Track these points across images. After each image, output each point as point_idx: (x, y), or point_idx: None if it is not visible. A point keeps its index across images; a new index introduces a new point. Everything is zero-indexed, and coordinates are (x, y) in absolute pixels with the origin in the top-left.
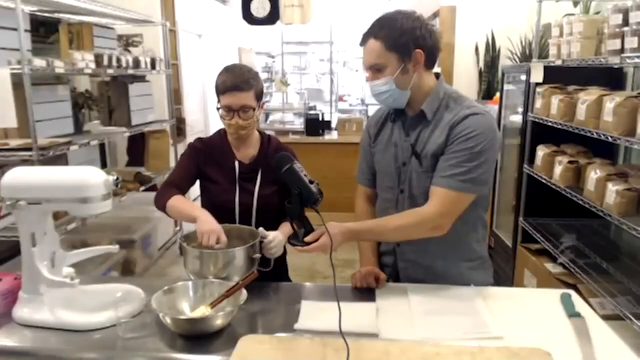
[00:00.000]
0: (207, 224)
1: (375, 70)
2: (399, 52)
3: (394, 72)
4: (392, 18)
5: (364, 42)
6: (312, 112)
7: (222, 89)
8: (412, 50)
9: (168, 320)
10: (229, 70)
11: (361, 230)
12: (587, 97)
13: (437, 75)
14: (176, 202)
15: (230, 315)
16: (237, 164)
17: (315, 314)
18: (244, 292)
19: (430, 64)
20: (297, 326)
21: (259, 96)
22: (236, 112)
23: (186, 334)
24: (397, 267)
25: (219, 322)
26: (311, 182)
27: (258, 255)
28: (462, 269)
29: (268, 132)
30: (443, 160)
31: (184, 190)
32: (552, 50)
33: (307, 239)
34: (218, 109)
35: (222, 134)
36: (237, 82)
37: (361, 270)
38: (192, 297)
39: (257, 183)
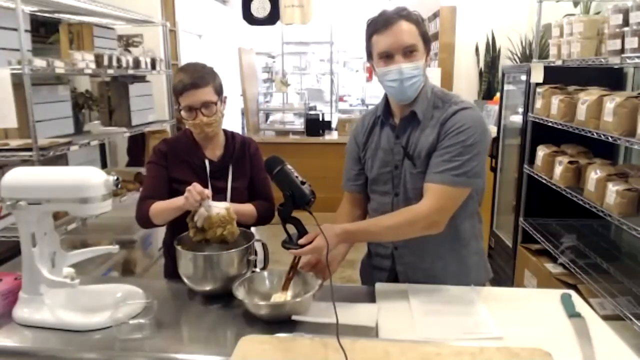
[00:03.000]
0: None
1: (409, 51)
2: (425, 41)
3: (422, 58)
4: (413, 12)
5: (391, 23)
6: (312, 112)
7: (179, 89)
8: (429, 42)
9: (262, 310)
10: (183, 70)
11: (356, 230)
12: (587, 97)
13: None
14: (156, 206)
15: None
16: (207, 162)
17: (315, 309)
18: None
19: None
20: (294, 316)
21: (219, 91)
22: (198, 110)
23: (275, 318)
24: (396, 270)
25: (306, 305)
26: (302, 183)
27: (254, 257)
28: (462, 267)
29: (268, 132)
30: (435, 156)
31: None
32: (552, 50)
33: (301, 241)
34: (179, 111)
35: (188, 132)
36: (193, 79)
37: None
38: (267, 286)
39: (228, 179)
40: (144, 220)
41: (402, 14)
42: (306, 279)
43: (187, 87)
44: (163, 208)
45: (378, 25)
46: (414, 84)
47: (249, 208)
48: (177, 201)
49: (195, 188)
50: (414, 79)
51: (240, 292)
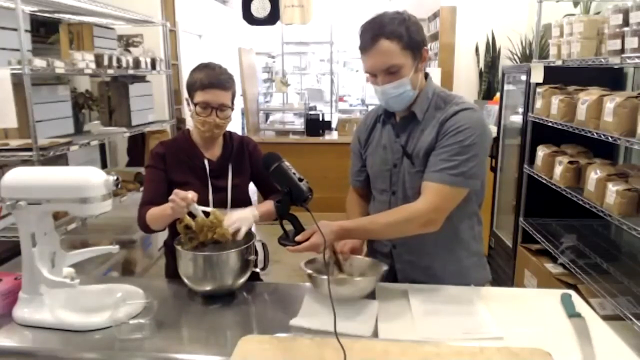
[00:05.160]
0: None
1: (389, 72)
2: (413, 51)
3: (409, 71)
4: (397, 18)
5: (372, 44)
6: (312, 112)
7: (199, 85)
8: (422, 47)
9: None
10: (207, 67)
11: (353, 227)
12: (587, 97)
13: (425, 75)
14: (150, 213)
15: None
16: (206, 162)
17: (315, 311)
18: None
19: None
20: (292, 322)
21: (233, 98)
22: (214, 110)
23: (346, 297)
24: (395, 268)
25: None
26: (300, 180)
27: (253, 257)
28: (460, 267)
29: (268, 132)
30: (434, 155)
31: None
32: (552, 50)
33: (298, 238)
34: (195, 105)
35: (186, 133)
36: (218, 79)
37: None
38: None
39: (228, 177)
40: (143, 226)
41: (383, 32)
42: (362, 264)
43: (209, 85)
44: (157, 215)
45: (362, 44)
46: (402, 98)
47: (270, 205)
48: (167, 209)
49: (177, 195)
50: (401, 95)
51: (311, 270)
